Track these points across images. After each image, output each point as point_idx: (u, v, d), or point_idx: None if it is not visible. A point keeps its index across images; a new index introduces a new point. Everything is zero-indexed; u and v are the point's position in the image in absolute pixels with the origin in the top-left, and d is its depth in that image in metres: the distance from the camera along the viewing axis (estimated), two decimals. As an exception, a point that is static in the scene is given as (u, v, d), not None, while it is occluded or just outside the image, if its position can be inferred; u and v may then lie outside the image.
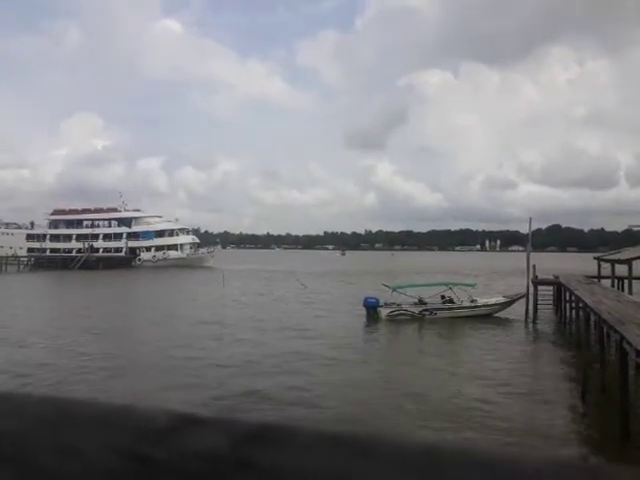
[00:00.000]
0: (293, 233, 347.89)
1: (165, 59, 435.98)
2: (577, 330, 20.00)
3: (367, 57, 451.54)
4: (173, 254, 77.92)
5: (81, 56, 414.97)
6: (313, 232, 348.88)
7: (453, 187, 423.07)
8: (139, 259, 77.33)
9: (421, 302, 26.80)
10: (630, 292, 21.75)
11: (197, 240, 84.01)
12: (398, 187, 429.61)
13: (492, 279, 52.88)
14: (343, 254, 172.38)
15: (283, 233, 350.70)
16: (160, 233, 79.86)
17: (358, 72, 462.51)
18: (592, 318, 16.57)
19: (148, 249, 78.37)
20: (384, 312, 26.09)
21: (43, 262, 73.16)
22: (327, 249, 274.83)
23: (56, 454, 0.52)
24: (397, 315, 26.05)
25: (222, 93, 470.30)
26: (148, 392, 13.17)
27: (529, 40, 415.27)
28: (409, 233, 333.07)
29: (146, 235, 79.39)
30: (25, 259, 74.91)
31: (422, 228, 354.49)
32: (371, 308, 26.40)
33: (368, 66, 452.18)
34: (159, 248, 78.30)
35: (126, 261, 75.59)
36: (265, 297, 36.70)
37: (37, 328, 22.75)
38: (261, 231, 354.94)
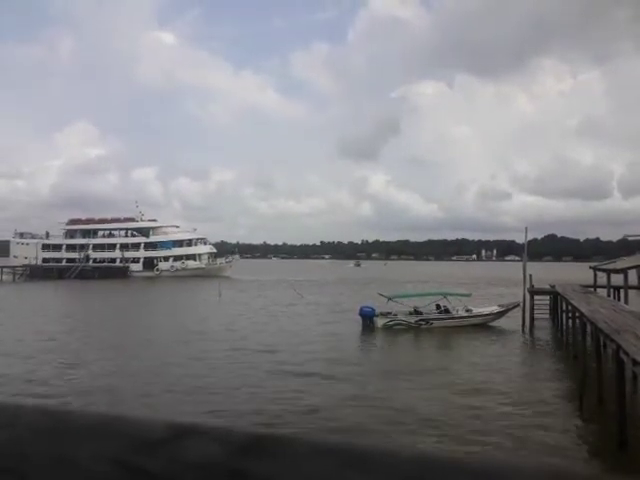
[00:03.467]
0: (289, 243, 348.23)
1: (160, 69, 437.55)
2: (573, 340, 19.97)
3: (360, 68, 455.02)
4: (191, 264, 77.13)
5: (76, 66, 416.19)
6: (309, 242, 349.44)
7: (448, 197, 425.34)
8: (157, 269, 76.58)
9: (417, 311, 26.76)
10: (626, 301, 21.74)
11: (214, 250, 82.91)
12: (393, 197, 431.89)
13: (486, 289, 52.79)
14: (358, 265, 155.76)
15: (280, 243, 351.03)
16: (178, 243, 79.28)
17: (351, 83, 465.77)
18: (588, 327, 16.53)
19: (166, 259, 77.66)
20: (380, 322, 26.02)
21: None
22: (323, 258, 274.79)
23: (50, 464, 0.51)
24: (393, 325, 25.99)
25: (217, 103, 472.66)
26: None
27: (521, 52, 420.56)
28: (405, 243, 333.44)
29: (164, 245, 78.67)
30: (20, 269, 74.40)
31: (418, 238, 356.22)
32: (367, 317, 26.32)
33: (361, 77, 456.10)
34: (177, 258, 77.64)
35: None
36: (260, 306, 36.53)
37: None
38: (257, 241, 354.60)
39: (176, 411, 12.26)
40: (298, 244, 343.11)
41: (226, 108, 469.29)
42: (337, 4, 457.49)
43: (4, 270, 69.05)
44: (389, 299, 27.06)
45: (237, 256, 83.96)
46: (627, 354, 9.92)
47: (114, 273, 72.72)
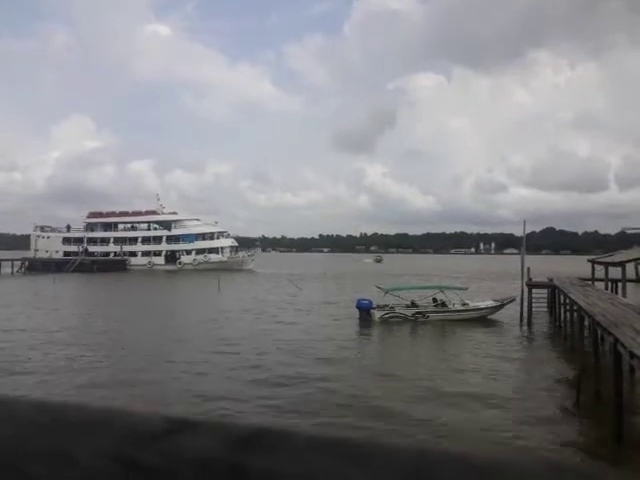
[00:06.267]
0: (288, 236, 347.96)
1: (156, 62, 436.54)
2: (571, 333, 19.94)
3: (357, 60, 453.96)
4: (214, 257, 76.76)
5: (72, 59, 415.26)
6: (308, 235, 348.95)
7: (445, 190, 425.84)
8: (179, 262, 76.44)
9: (413, 305, 26.72)
10: (624, 295, 21.70)
11: (236, 243, 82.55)
12: (391, 190, 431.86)
13: (484, 282, 52.80)
14: (379, 261, 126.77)
15: (278, 236, 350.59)
16: (201, 236, 78.96)
17: (348, 75, 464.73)
18: (586, 321, 16.48)
19: (188, 252, 77.46)
20: (377, 314, 25.97)
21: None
22: (322, 252, 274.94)
23: (48, 459, 0.51)
24: (390, 317, 25.95)
25: (213, 96, 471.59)
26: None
27: (516, 44, 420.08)
28: (404, 236, 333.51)
29: (187, 238, 78.47)
30: (19, 262, 74.06)
31: (417, 231, 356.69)
32: (364, 310, 26.27)
33: (358, 69, 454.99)
34: (200, 251, 77.41)
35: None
36: (259, 299, 36.48)
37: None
38: (255, 234, 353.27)
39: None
40: (296, 237, 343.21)
41: (222, 101, 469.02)
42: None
43: (2, 263, 68.62)
44: (386, 292, 27.01)
45: (259, 249, 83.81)
46: (624, 347, 9.88)
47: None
